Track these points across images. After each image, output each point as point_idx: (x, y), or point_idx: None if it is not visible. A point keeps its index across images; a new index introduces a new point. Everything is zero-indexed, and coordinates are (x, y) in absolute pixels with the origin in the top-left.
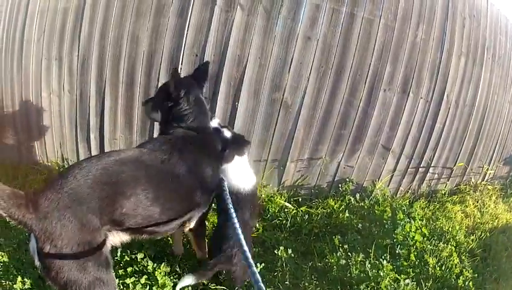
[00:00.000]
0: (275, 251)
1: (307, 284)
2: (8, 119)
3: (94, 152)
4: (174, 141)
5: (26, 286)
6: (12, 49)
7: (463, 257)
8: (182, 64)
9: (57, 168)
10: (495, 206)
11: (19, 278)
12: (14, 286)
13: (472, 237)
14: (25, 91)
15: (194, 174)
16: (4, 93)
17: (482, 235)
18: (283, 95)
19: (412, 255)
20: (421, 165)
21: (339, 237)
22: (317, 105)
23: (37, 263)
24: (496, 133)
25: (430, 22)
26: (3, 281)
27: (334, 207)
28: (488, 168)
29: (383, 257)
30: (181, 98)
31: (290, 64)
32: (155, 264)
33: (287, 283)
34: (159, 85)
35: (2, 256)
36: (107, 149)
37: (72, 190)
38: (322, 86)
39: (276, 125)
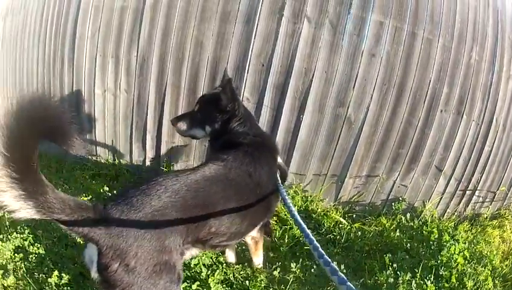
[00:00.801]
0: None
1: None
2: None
3: (149, 153)
4: (252, 152)
5: (63, 281)
6: (62, 43)
7: (496, 281)
8: (247, 73)
9: (106, 166)
10: None
11: (56, 273)
12: (49, 279)
13: (506, 262)
14: (76, 85)
15: (271, 181)
16: (52, 86)
17: None
18: (347, 111)
19: (453, 277)
20: (469, 188)
21: (389, 255)
22: (378, 122)
23: (94, 275)
24: None
25: (482, 44)
26: (36, 273)
27: (386, 225)
28: None
29: (427, 278)
30: (237, 109)
31: (355, 80)
32: (209, 271)
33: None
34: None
35: (38, 248)
36: (163, 151)
37: (157, 211)
38: (384, 103)
39: (338, 140)
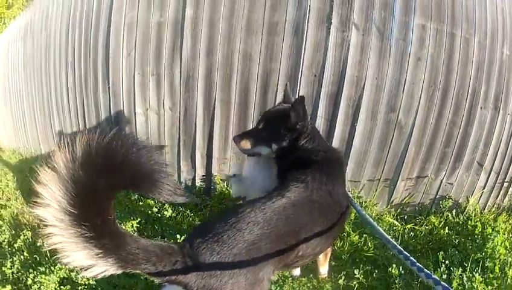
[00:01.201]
0: (388, 269)
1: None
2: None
3: (199, 170)
4: (327, 170)
5: None
6: (94, 65)
7: None
8: (300, 84)
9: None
10: None
11: None
12: None
13: None
14: (114, 107)
15: (346, 197)
16: (87, 110)
17: None
18: (398, 116)
19: (496, 267)
20: (506, 180)
21: (442, 253)
22: (426, 125)
23: None
24: None
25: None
26: None
27: (435, 224)
28: None
29: (475, 270)
30: (306, 126)
31: (404, 85)
32: (277, 287)
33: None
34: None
35: (88, 278)
36: (214, 168)
37: (251, 245)
38: (431, 106)
39: (390, 145)
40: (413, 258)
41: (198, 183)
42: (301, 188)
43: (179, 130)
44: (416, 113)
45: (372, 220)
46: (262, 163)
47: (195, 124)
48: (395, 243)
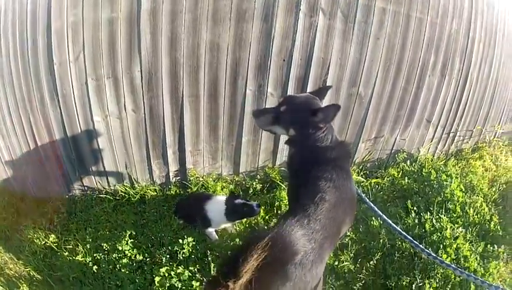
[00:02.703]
0: (369, 222)
1: (399, 243)
2: (48, 151)
3: (172, 167)
4: (344, 166)
5: None
6: (37, 78)
7: (490, 206)
8: (269, 69)
9: (126, 192)
10: (506, 159)
11: None
12: None
13: (493, 189)
14: (67, 120)
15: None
16: (37, 133)
17: (500, 187)
18: (358, 89)
19: (457, 208)
20: (452, 131)
21: (410, 201)
22: (383, 94)
23: None
24: (505, 97)
25: (460, 16)
26: None
27: (395, 175)
28: (498, 127)
29: (440, 213)
30: (326, 126)
31: (364, 62)
32: None
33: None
34: (252, 92)
35: None
36: (188, 161)
37: (319, 249)
38: (387, 78)
39: (352, 114)
40: (422, 247)
41: (172, 179)
42: (332, 188)
43: (146, 131)
44: (374, 85)
45: (379, 211)
46: None
47: (164, 122)
48: (405, 234)
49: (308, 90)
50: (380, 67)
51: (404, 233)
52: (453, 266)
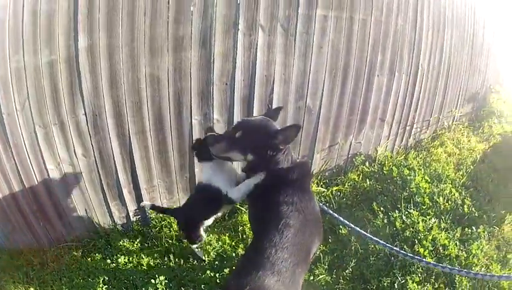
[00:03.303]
0: (337, 231)
1: (372, 246)
2: (10, 203)
3: (131, 206)
4: (305, 187)
5: None
6: None
7: (460, 190)
8: (212, 95)
9: (91, 237)
10: (468, 141)
11: None
12: None
13: (460, 173)
14: (22, 170)
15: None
16: None
17: (467, 169)
18: (306, 102)
19: (426, 199)
20: (408, 125)
21: (375, 203)
22: (332, 103)
23: None
24: (459, 81)
25: (406, 9)
26: None
27: (355, 178)
28: (456, 111)
29: (409, 208)
30: (285, 149)
31: (309, 74)
32: None
33: (360, 249)
34: (196, 122)
35: None
36: (145, 199)
37: (292, 276)
38: (334, 86)
39: (303, 128)
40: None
41: (133, 218)
42: (295, 212)
43: (99, 174)
44: (322, 95)
45: (348, 222)
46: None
47: (115, 163)
48: (377, 239)
49: (255, 111)
50: (326, 76)
51: (375, 239)
52: (432, 262)
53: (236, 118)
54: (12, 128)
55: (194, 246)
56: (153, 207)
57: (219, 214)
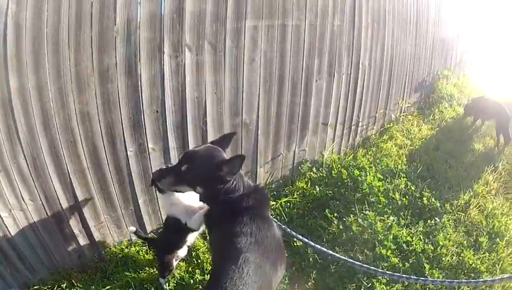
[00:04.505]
0: (292, 244)
1: (329, 258)
2: None
3: (84, 244)
4: (262, 214)
5: None
6: None
7: (416, 183)
8: (144, 125)
9: (53, 281)
10: (419, 130)
11: None
12: None
13: (415, 164)
14: None
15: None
16: None
17: (421, 158)
18: (242, 117)
19: (381, 198)
20: (353, 124)
21: (328, 209)
22: (269, 115)
23: None
24: (403, 72)
25: (342, 9)
26: None
27: (303, 186)
28: (402, 102)
29: (364, 209)
30: (232, 178)
31: (242, 89)
32: None
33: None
34: (132, 154)
35: None
36: (96, 237)
37: None
38: (270, 97)
39: (242, 144)
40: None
41: (90, 256)
42: (255, 245)
43: (49, 217)
44: (258, 109)
45: (315, 244)
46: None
47: (60, 204)
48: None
49: (189, 135)
50: (261, 89)
51: (336, 254)
52: (396, 274)
53: (172, 144)
54: None
55: (163, 280)
56: (136, 233)
57: (190, 242)
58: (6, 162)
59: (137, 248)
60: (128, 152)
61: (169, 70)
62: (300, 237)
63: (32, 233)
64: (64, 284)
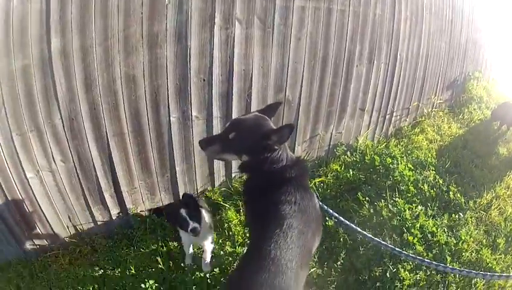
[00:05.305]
0: (324, 223)
1: (360, 236)
2: None
3: (113, 210)
4: (305, 184)
5: None
6: None
7: (444, 177)
8: (190, 92)
9: (75, 244)
10: (449, 127)
11: None
12: None
13: (443, 158)
14: (3, 180)
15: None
16: None
17: (449, 154)
18: (285, 94)
19: (410, 187)
20: (387, 113)
21: (360, 193)
22: (311, 94)
23: None
24: (437, 69)
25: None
26: None
27: (337, 169)
28: (435, 98)
29: (394, 196)
30: (280, 148)
31: (288, 66)
32: None
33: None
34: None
35: None
36: (128, 202)
37: (296, 278)
38: (313, 77)
39: (283, 120)
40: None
41: (115, 221)
42: (298, 212)
43: (79, 180)
44: (301, 86)
45: (348, 222)
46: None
47: (94, 167)
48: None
49: (234, 106)
50: (305, 67)
51: (377, 240)
52: (427, 261)
53: (216, 113)
54: None
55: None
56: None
57: None
58: (40, 121)
59: None
60: (172, 118)
61: (219, 41)
62: (336, 214)
63: (58, 196)
64: (86, 250)
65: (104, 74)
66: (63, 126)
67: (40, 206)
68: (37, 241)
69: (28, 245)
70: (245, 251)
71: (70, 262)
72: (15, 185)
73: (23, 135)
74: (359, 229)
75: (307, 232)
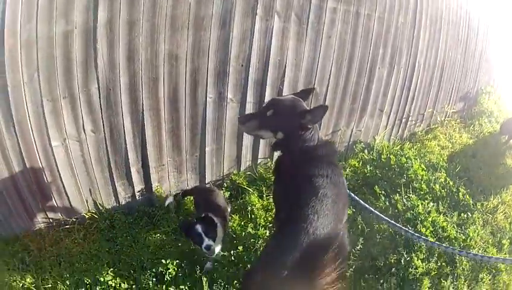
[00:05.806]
0: None
1: (377, 225)
2: (8, 184)
3: (138, 186)
4: (334, 162)
5: None
6: None
7: (454, 179)
8: (228, 75)
9: (92, 219)
10: (460, 136)
11: None
12: None
13: (453, 164)
14: (24, 147)
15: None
16: None
17: (459, 160)
18: (313, 87)
19: (423, 186)
20: (404, 117)
21: (377, 186)
22: (337, 90)
23: None
24: (452, 79)
25: (406, 9)
26: None
27: (355, 164)
28: (448, 107)
29: (408, 193)
30: (313, 127)
31: (318, 61)
32: None
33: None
34: (211, 100)
35: None
36: (153, 179)
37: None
38: (339, 74)
39: None
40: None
41: (139, 198)
42: (331, 184)
43: (107, 152)
44: (329, 82)
45: (368, 206)
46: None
47: (125, 140)
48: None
49: (266, 93)
50: (333, 64)
51: (399, 225)
52: (443, 245)
53: (249, 98)
54: (18, 101)
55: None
56: (175, 197)
57: None
58: (75, 89)
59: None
60: (208, 98)
61: (259, 31)
62: (357, 198)
63: (82, 168)
64: (104, 225)
65: (148, 48)
66: (99, 95)
67: (60, 177)
68: (50, 215)
69: (40, 218)
70: (274, 220)
71: (85, 237)
72: (37, 153)
73: (54, 101)
74: (382, 215)
75: (339, 202)
